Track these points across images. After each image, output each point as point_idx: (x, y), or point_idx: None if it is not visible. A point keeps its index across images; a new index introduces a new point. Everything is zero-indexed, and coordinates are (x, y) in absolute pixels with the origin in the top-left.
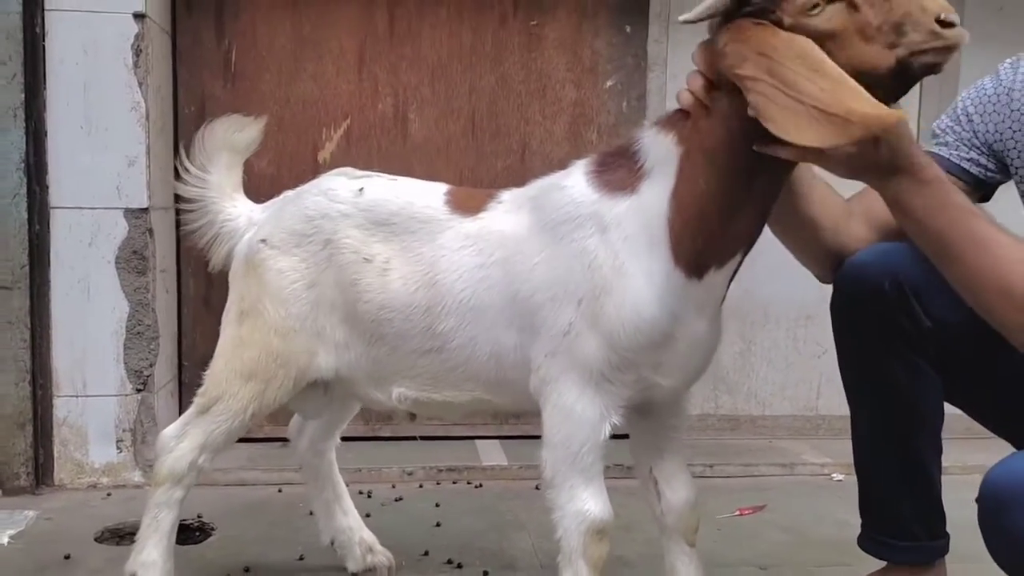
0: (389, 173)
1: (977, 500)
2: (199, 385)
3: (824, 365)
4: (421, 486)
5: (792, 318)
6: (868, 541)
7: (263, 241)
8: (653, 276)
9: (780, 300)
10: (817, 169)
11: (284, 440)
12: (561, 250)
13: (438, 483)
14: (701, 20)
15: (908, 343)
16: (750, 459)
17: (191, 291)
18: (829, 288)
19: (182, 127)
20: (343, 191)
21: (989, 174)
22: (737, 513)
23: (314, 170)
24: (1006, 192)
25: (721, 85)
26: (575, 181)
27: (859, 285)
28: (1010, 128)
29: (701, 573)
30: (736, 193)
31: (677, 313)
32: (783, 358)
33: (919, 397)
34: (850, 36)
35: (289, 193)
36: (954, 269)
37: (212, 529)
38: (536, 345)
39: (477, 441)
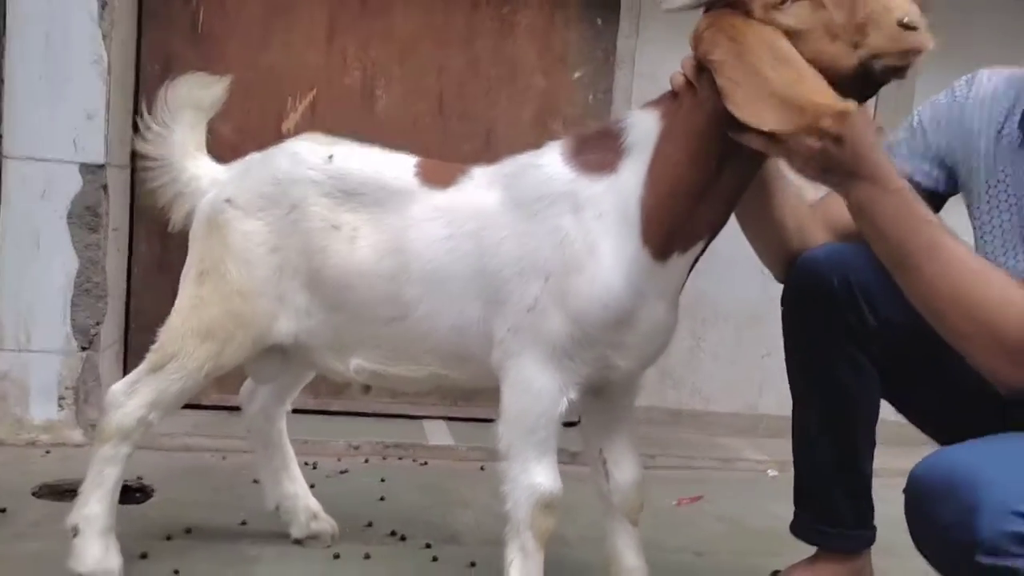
0: None
1: (904, 491)
2: (147, 347)
3: (767, 366)
4: (367, 461)
5: (740, 318)
6: (801, 528)
7: (228, 201)
8: (623, 255)
9: (729, 300)
10: (789, 173)
11: (231, 408)
12: (532, 227)
13: (384, 458)
14: (683, 9)
15: (853, 339)
16: (691, 452)
17: (144, 252)
18: (776, 291)
19: (144, 85)
20: (313, 157)
21: (939, 185)
22: (676, 503)
23: (277, 139)
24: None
25: (705, 69)
26: (551, 160)
27: (809, 280)
28: (961, 143)
29: (640, 553)
30: (706, 176)
31: (642, 293)
32: (729, 357)
33: (859, 392)
34: (815, 33)
35: (255, 155)
36: (909, 277)
37: (153, 491)
38: (499, 319)
39: (424, 421)
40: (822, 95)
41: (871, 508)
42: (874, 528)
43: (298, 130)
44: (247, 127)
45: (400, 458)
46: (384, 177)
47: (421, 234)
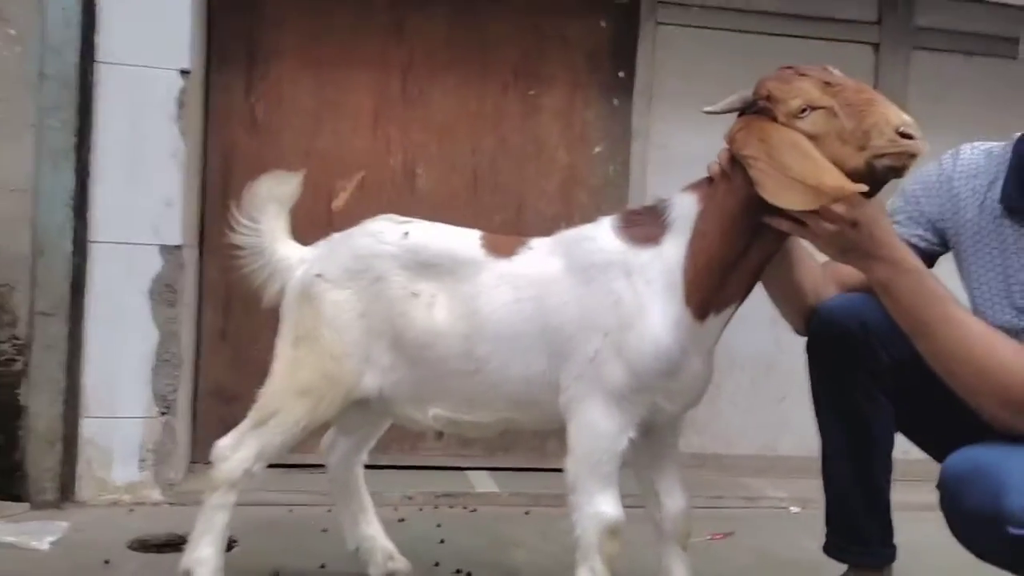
0: None
1: (937, 487)
2: (213, 410)
3: (783, 410)
4: (421, 509)
5: (755, 366)
6: (832, 548)
7: (319, 275)
8: (668, 315)
9: (745, 349)
10: (811, 249)
11: (294, 466)
12: (590, 290)
13: (436, 507)
14: (721, 113)
15: (869, 376)
16: (717, 492)
17: (209, 324)
18: (787, 341)
19: (209, 173)
20: (391, 234)
21: (933, 247)
22: (709, 537)
23: (328, 218)
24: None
25: (738, 161)
26: (603, 233)
27: (829, 327)
28: (950, 210)
29: (691, 573)
30: (737, 251)
31: (685, 347)
32: (747, 402)
33: (876, 423)
34: (829, 138)
35: (337, 235)
36: (927, 344)
37: (235, 542)
38: (565, 369)
39: (468, 472)
40: (832, 177)
41: (891, 528)
42: (895, 546)
43: (347, 209)
44: (301, 207)
45: (451, 506)
46: (454, 250)
47: (490, 299)
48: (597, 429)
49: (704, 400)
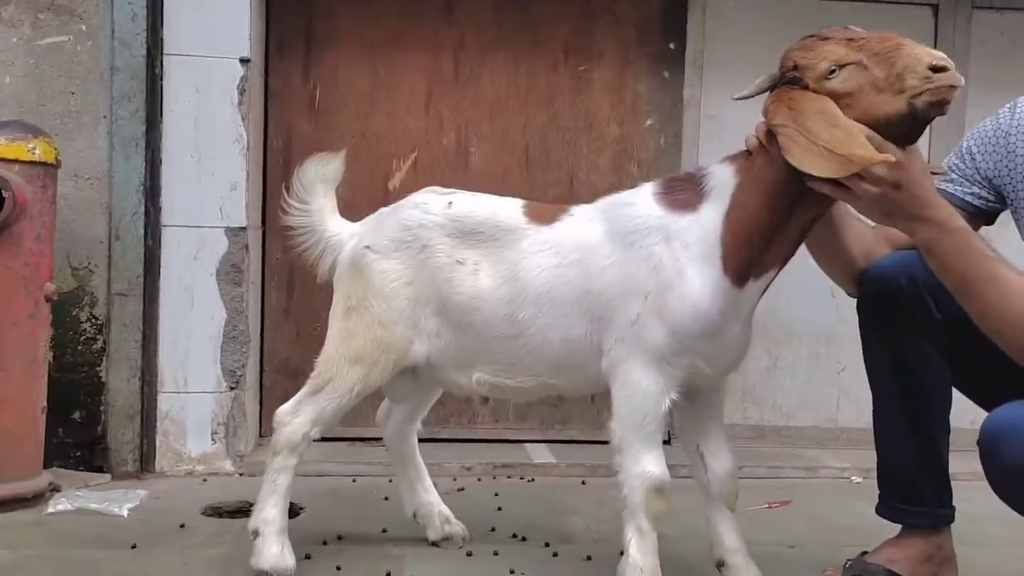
0: None
1: (978, 442)
2: (278, 383)
3: (843, 381)
4: (479, 480)
5: (814, 337)
6: (886, 508)
7: (367, 247)
8: (706, 279)
9: (803, 321)
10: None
11: (354, 439)
12: (631, 254)
13: (494, 477)
14: (752, 96)
15: (922, 332)
16: (776, 463)
17: (273, 302)
18: (846, 311)
19: (270, 157)
20: (435, 205)
21: (990, 204)
22: (766, 506)
23: (384, 197)
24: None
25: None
26: (643, 199)
27: (880, 284)
28: (1007, 166)
29: (740, 535)
30: (776, 220)
31: (723, 311)
32: (805, 373)
33: (931, 381)
34: (864, 90)
35: (385, 209)
36: (973, 304)
37: (301, 509)
38: (607, 332)
39: (526, 444)
40: (860, 147)
41: (949, 488)
42: (953, 507)
43: (403, 187)
44: (358, 187)
45: (509, 476)
46: (497, 217)
47: (533, 264)
48: (640, 390)
49: (763, 372)
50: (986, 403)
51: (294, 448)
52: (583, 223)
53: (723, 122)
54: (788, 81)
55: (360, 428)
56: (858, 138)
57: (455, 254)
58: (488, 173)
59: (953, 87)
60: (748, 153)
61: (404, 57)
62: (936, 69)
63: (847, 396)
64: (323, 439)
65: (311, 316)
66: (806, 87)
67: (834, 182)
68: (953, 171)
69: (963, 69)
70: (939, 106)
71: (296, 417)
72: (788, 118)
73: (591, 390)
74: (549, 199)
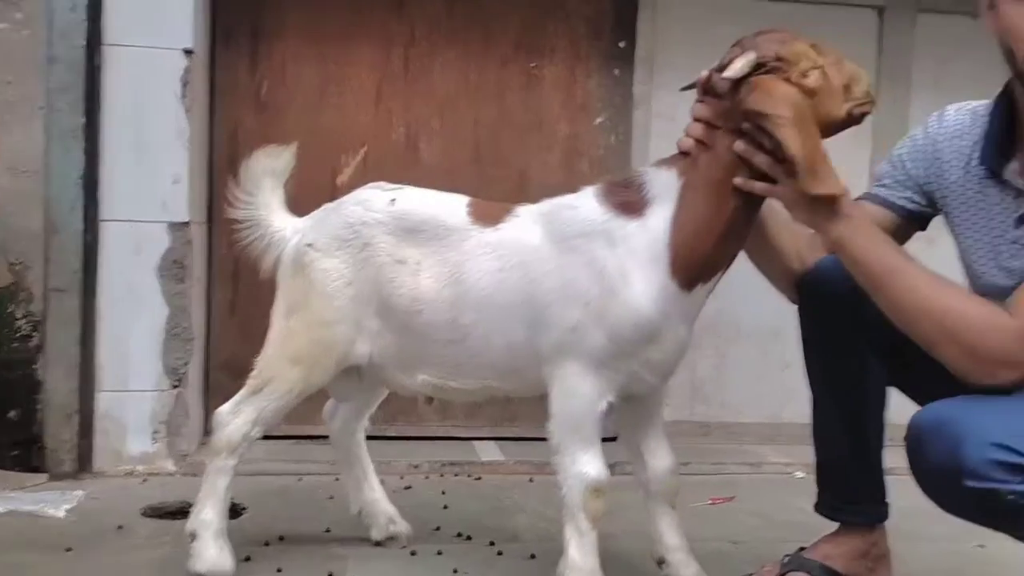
0: None
1: (904, 439)
2: (224, 382)
3: (789, 378)
4: (427, 478)
5: (761, 334)
6: (823, 506)
7: (309, 245)
8: (653, 284)
9: (751, 318)
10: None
11: (301, 437)
12: (573, 259)
13: (442, 475)
14: (740, 77)
15: (858, 333)
16: (721, 459)
17: (219, 299)
18: (792, 310)
19: (216, 151)
20: (378, 202)
21: (923, 209)
22: (710, 502)
23: (332, 192)
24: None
25: (722, 127)
26: (586, 203)
27: (819, 286)
28: (936, 173)
29: (681, 532)
30: (726, 218)
31: (668, 316)
32: (753, 370)
33: (867, 381)
34: (823, 93)
35: (329, 205)
36: (884, 297)
37: (244, 509)
38: (547, 337)
39: (475, 441)
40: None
41: (884, 486)
42: (887, 504)
43: (351, 183)
44: (307, 182)
45: (456, 474)
46: (441, 216)
47: (475, 267)
48: (577, 393)
49: (711, 370)
50: (921, 401)
51: (233, 449)
52: (526, 226)
53: (673, 120)
54: (768, 70)
55: (307, 426)
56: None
57: (397, 253)
58: (438, 169)
59: (874, 102)
60: (684, 155)
61: (354, 51)
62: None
63: (792, 393)
64: (269, 437)
65: (258, 313)
66: (787, 79)
67: (766, 180)
68: (887, 177)
69: (907, 71)
70: (864, 116)
71: (236, 418)
72: (781, 105)
73: (535, 393)
74: (499, 196)
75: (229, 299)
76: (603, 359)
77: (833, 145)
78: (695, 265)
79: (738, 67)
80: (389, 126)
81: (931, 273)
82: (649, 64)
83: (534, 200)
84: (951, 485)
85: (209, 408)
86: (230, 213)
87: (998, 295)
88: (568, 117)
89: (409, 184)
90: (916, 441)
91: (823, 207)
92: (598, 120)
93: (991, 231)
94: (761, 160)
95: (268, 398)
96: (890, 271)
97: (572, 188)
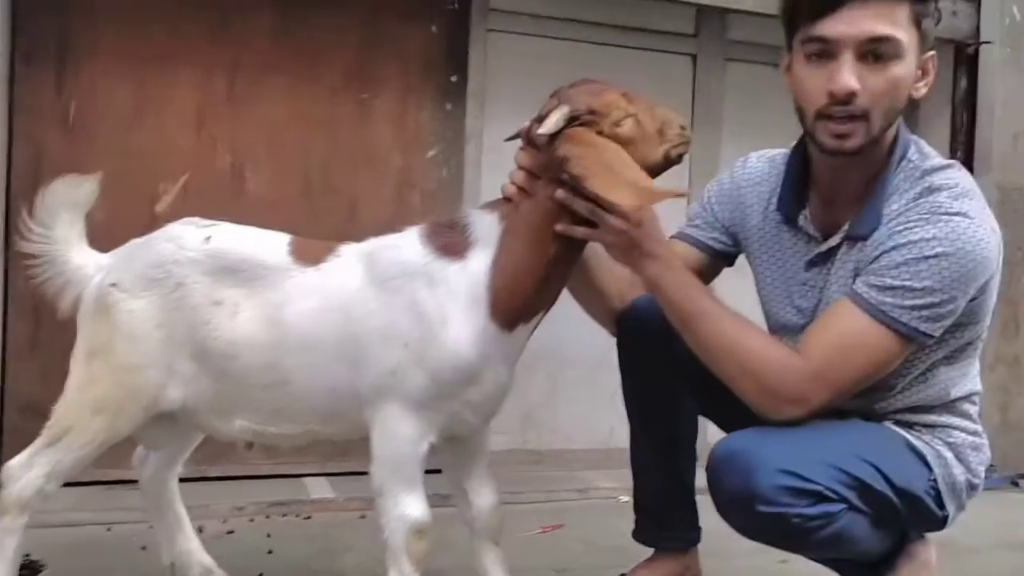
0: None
1: (705, 469)
2: (21, 425)
3: (617, 404)
4: (252, 520)
5: (591, 362)
6: (640, 533)
7: (113, 285)
8: (473, 326)
9: (581, 346)
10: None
11: (112, 483)
12: (393, 300)
13: (268, 517)
14: (553, 133)
15: (672, 368)
16: (552, 486)
17: (17, 335)
18: None
19: (15, 175)
20: (191, 239)
21: (729, 248)
22: (539, 530)
23: (150, 221)
24: None
25: (543, 176)
26: (409, 243)
27: (635, 323)
28: (740, 216)
29: (505, 568)
30: (545, 262)
31: (488, 358)
32: (582, 398)
33: (680, 413)
34: (638, 139)
35: (137, 240)
36: (693, 335)
37: (43, 566)
38: (367, 379)
39: (305, 478)
40: (647, 181)
41: (695, 512)
42: (699, 529)
43: (171, 211)
44: (120, 211)
45: (284, 515)
46: (260, 255)
47: (296, 308)
48: (399, 435)
49: (543, 397)
50: (728, 430)
51: (24, 507)
52: (349, 266)
53: (505, 155)
54: (582, 123)
55: (118, 470)
56: (643, 175)
57: (213, 294)
58: (265, 199)
59: (690, 142)
60: (507, 200)
61: (174, 74)
62: (682, 128)
63: (621, 418)
64: (74, 484)
65: (62, 350)
66: (599, 132)
67: (586, 223)
68: (697, 218)
69: (719, 114)
70: (681, 157)
71: (28, 471)
72: (587, 153)
73: (358, 435)
74: (329, 227)
75: (29, 335)
76: (424, 401)
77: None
78: (515, 308)
79: (552, 122)
80: (213, 153)
81: (736, 316)
82: (481, 99)
83: (365, 233)
84: (746, 511)
85: (5, 455)
86: (23, 247)
87: (791, 331)
88: (400, 149)
89: (236, 215)
90: (714, 471)
91: (639, 250)
92: (430, 153)
93: (785, 272)
94: (581, 206)
95: (66, 450)
96: (698, 312)
97: (404, 221)
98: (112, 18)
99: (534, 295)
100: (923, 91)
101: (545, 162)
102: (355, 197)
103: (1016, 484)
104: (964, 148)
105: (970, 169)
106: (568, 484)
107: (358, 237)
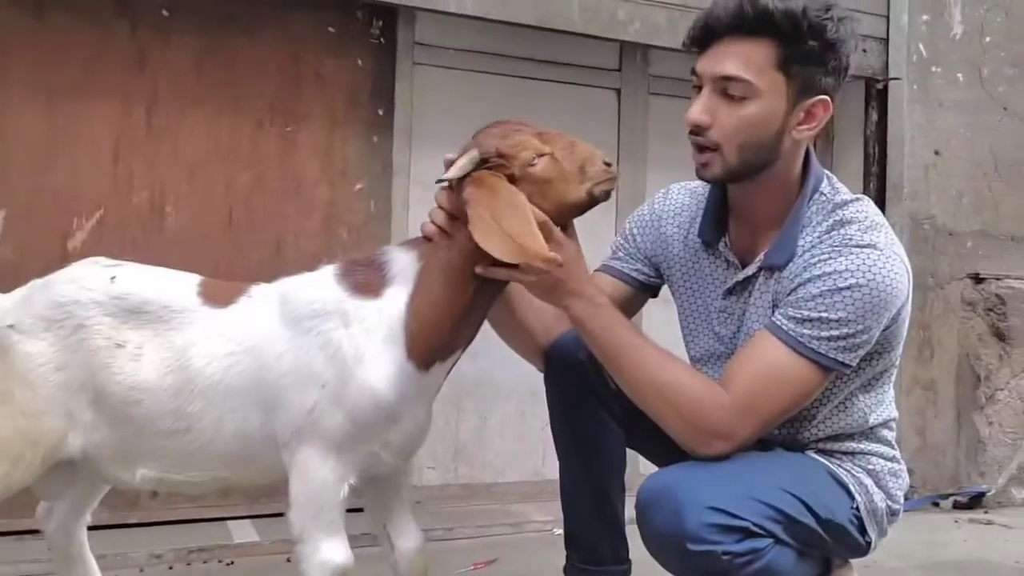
0: (145, 263)
1: (635, 507)
2: None
3: (547, 435)
4: (171, 568)
5: (521, 394)
6: (571, 568)
7: (11, 326)
8: (390, 365)
9: (510, 379)
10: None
11: (20, 533)
12: (307, 340)
13: (188, 564)
14: (456, 179)
15: (600, 403)
16: (485, 521)
17: None
18: None
19: None
20: (94, 279)
21: (652, 279)
22: (472, 567)
23: (62, 258)
24: None
25: (460, 217)
26: (322, 282)
27: (562, 358)
28: (661, 246)
29: None
30: (462, 302)
31: (407, 397)
32: (513, 430)
33: (608, 448)
34: (557, 180)
35: (37, 281)
36: (619, 372)
37: None
38: (283, 423)
39: (229, 521)
40: (536, 241)
41: (626, 545)
42: (629, 562)
43: (85, 248)
44: (30, 248)
45: (205, 561)
46: (167, 297)
47: (203, 351)
48: (318, 479)
49: (473, 431)
50: (658, 463)
51: None
52: (260, 307)
53: (433, 188)
54: (490, 167)
55: (26, 519)
56: (533, 231)
57: (115, 336)
58: (187, 235)
59: (616, 178)
60: (427, 239)
61: (89, 105)
62: (607, 164)
63: (551, 450)
64: None
65: None
66: (511, 174)
67: (507, 265)
68: (620, 250)
69: (643, 146)
70: (607, 194)
71: None
72: (481, 197)
73: (268, 480)
74: (254, 263)
75: None
76: (343, 442)
77: (579, 218)
78: (432, 347)
79: (459, 166)
80: (130, 188)
81: (661, 351)
82: (408, 132)
83: (292, 268)
84: (675, 549)
85: None
86: None
87: (711, 358)
88: (327, 183)
89: (155, 252)
90: (642, 510)
91: (562, 289)
92: (357, 186)
93: (705, 299)
94: None
95: None
96: (623, 348)
97: (332, 254)
98: (24, 48)
99: (451, 334)
100: (807, 134)
101: (461, 203)
102: (281, 232)
103: (936, 505)
104: (877, 180)
105: (883, 200)
106: (501, 518)
107: (284, 272)
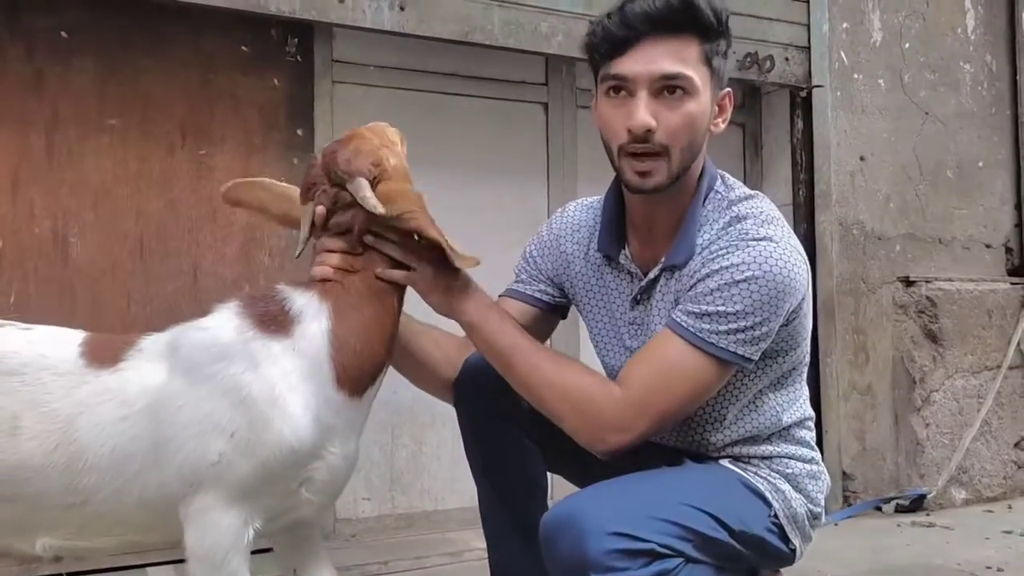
0: (49, 297)
1: (539, 537)
2: None
3: None
4: None
5: (455, 420)
6: None
7: None
8: (313, 400)
9: (444, 406)
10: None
11: None
12: (208, 387)
13: None
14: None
15: (514, 424)
16: (422, 552)
17: None
18: None
19: None
20: None
21: (558, 300)
22: None
23: None
24: None
25: (364, 250)
26: (220, 324)
27: (472, 381)
28: (562, 265)
29: None
30: (394, 320)
31: (334, 431)
32: (450, 456)
33: (526, 469)
34: (398, 160)
35: None
36: (513, 375)
37: None
38: (180, 479)
39: (149, 568)
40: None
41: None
42: None
43: None
44: None
45: None
46: (47, 359)
47: (92, 419)
48: (220, 526)
49: (409, 459)
50: (578, 483)
51: None
52: (152, 359)
53: None
54: (376, 181)
55: None
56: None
57: None
58: (94, 266)
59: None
60: (323, 281)
61: None
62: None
63: None
64: None
65: None
66: (388, 178)
67: (403, 267)
68: (523, 272)
69: (572, 160)
70: None
71: None
72: (415, 210)
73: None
74: (169, 294)
75: None
76: (249, 488)
77: (510, 234)
78: (367, 371)
79: (373, 201)
80: (31, 218)
81: (552, 352)
82: None
83: (211, 295)
84: None
85: None
86: None
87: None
88: None
89: (59, 287)
90: (545, 540)
91: (456, 291)
92: None
93: (613, 314)
94: (394, 251)
95: None
96: (516, 350)
97: (254, 280)
98: None
99: (384, 354)
100: (722, 127)
101: (362, 233)
102: (197, 259)
103: (879, 509)
104: (806, 186)
105: (812, 206)
106: (440, 547)
107: (202, 301)
